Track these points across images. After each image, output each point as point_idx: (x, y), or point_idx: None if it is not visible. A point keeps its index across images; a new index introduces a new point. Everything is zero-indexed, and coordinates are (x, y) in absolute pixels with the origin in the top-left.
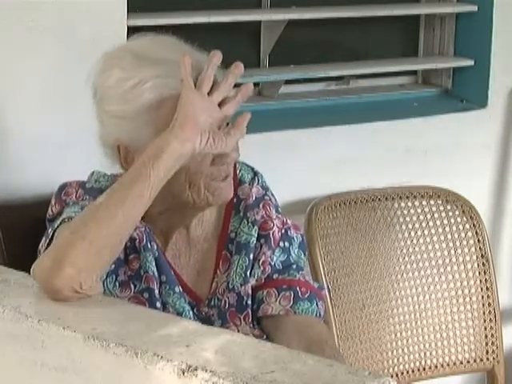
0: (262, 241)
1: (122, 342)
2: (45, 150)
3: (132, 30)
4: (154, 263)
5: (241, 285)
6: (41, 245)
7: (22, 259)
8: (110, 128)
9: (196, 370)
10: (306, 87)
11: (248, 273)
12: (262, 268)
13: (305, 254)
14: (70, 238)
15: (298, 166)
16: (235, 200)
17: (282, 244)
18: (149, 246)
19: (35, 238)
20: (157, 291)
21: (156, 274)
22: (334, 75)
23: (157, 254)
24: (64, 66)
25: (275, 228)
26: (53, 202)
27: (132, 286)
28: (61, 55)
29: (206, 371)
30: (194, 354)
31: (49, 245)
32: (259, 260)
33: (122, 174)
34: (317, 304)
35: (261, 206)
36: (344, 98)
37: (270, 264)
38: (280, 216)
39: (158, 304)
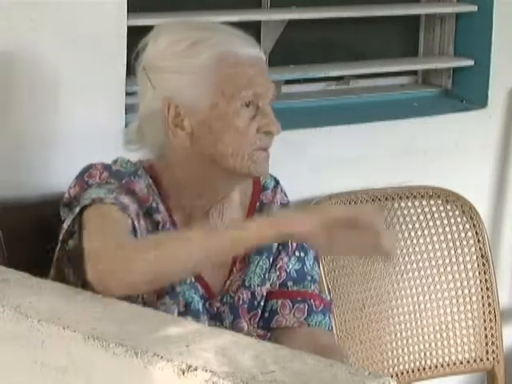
0: (281, 247)
1: (122, 342)
2: (45, 150)
3: (132, 30)
4: None
5: (258, 285)
6: (66, 225)
7: (23, 259)
8: (161, 85)
9: (196, 370)
10: (306, 87)
11: (267, 275)
12: (277, 273)
13: (319, 267)
14: (155, 256)
15: (298, 166)
16: (258, 204)
17: (297, 253)
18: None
19: (35, 238)
20: None
21: None
22: (334, 75)
23: None
24: (64, 66)
25: None
26: (72, 184)
27: None
28: (61, 55)
29: (206, 371)
30: (194, 354)
31: (75, 225)
32: (276, 265)
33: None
34: (329, 317)
35: None
36: (344, 98)
37: (285, 270)
38: None
39: (178, 289)
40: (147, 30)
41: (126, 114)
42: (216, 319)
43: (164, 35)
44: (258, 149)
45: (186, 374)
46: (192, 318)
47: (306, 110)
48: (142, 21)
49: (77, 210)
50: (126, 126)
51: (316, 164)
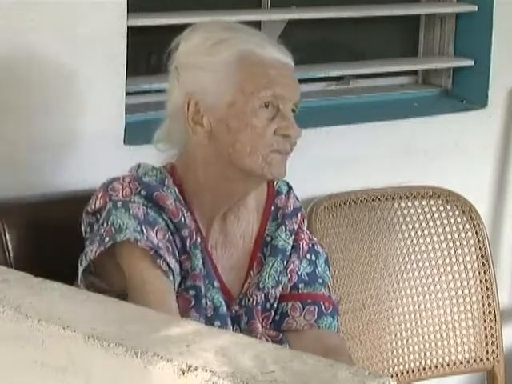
0: (292, 250)
1: (122, 342)
2: (45, 151)
3: (132, 30)
4: (201, 260)
5: (272, 287)
6: (92, 253)
7: (23, 259)
8: (185, 81)
9: (196, 370)
10: (305, 87)
11: (280, 277)
12: (288, 276)
13: (329, 271)
14: None
15: (298, 166)
16: (272, 208)
17: (309, 256)
18: (197, 243)
19: (36, 237)
20: (203, 288)
21: (202, 270)
22: (334, 75)
23: (200, 247)
24: (64, 66)
25: (304, 240)
26: (99, 194)
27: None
28: (61, 55)
29: (206, 371)
30: (194, 354)
31: (105, 252)
32: (287, 268)
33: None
34: (337, 319)
35: (298, 216)
36: (344, 98)
37: (296, 273)
38: (308, 232)
39: (204, 301)
40: (147, 30)
41: (126, 113)
42: (234, 322)
43: (195, 34)
44: (273, 151)
45: (186, 373)
46: (220, 322)
47: (306, 110)
48: (141, 21)
49: (107, 242)
50: (125, 126)
51: (316, 164)
